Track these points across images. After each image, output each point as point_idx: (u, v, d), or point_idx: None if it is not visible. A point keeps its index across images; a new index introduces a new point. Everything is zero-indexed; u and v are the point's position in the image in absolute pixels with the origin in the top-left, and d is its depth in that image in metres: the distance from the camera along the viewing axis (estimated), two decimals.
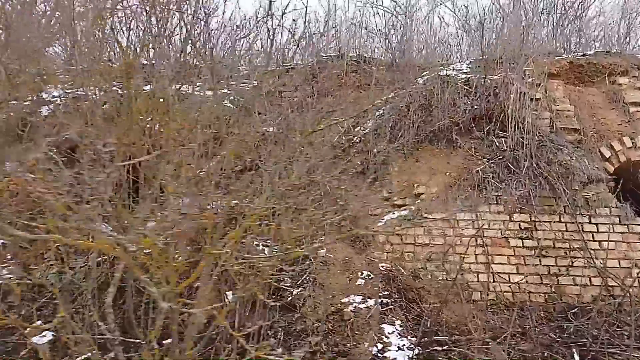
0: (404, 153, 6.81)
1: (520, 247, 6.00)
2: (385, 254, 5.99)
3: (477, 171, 6.33)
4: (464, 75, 7.79)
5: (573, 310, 5.62)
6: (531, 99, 6.82)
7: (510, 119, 6.55)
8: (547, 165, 6.32)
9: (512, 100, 6.47)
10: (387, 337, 4.94)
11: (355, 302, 5.29)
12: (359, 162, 6.91)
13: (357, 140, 7.26)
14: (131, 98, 3.19)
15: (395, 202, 6.49)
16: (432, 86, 7.32)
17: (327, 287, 5.53)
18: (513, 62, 7.14)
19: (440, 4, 13.10)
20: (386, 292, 5.50)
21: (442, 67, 8.43)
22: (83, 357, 4.92)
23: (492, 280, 5.82)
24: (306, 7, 9.99)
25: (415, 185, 6.47)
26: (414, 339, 5.03)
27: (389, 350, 4.82)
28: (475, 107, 6.89)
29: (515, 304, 5.70)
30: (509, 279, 5.85)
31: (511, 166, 6.38)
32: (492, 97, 7.06)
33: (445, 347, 4.90)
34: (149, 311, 4.75)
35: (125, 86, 3.22)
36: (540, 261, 5.94)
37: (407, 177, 6.65)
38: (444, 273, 5.84)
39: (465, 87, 7.40)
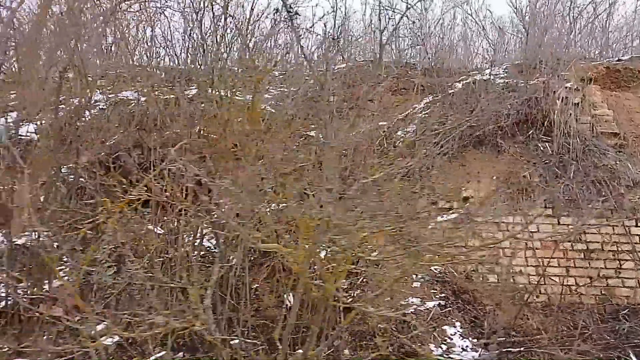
0: (449, 157, 6.91)
1: (569, 249, 6.10)
2: (437, 257, 6.08)
3: (525, 175, 6.44)
4: (501, 80, 7.93)
5: (624, 312, 5.73)
6: (575, 104, 6.94)
7: (555, 124, 6.66)
8: (593, 170, 6.44)
9: (559, 105, 6.58)
10: (450, 339, 5.05)
11: (414, 304, 5.39)
12: (403, 166, 7.02)
13: (400, 144, 7.36)
14: (255, 107, 3.30)
15: (442, 206, 6.58)
16: (473, 90, 7.45)
17: (384, 289, 5.63)
18: (554, 67, 7.26)
19: (454, 7, 13.20)
20: (442, 295, 5.61)
21: (477, 72, 8.57)
22: (155, 356, 5.05)
23: (543, 283, 5.92)
24: (335, 10, 10.13)
25: (463, 189, 6.57)
26: (474, 340, 5.14)
27: (454, 351, 4.92)
28: (519, 111, 7.00)
29: (567, 305, 5.80)
30: (560, 281, 5.95)
31: (557, 170, 6.49)
32: (534, 102, 7.18)
33: (507, 349, 5.00)
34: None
35: (253, 98, 3.32)
36: (589, 264, 6.04)
37: (453, 181, 6.75)
38: (496, 275, 5.94)
39: (505, 91, 7.54)
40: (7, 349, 4.78)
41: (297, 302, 3.60)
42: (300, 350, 3.46)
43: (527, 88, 7.20)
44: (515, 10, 11.93)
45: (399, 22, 6.82)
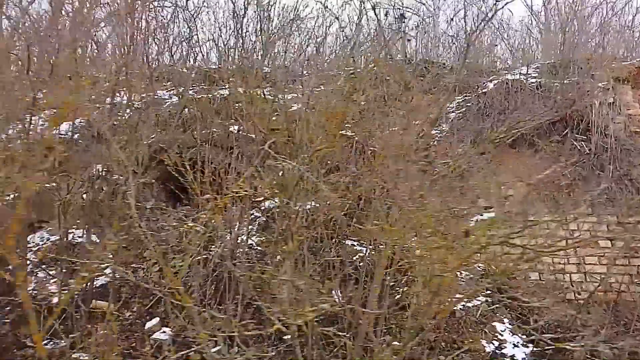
0: (486, 156, 6.97)
1: (609, 247, 6.17)
2: (479, 254, 6.14)
3: (564, 174, 6.50)
4: (533, 80, 7.99)
5: None
6: (608, 104, 7.01)
7: (592, 124, 6.73)
8: (631, 168, 6.51)
9: (597, 105, 6.65)
10: (501, 335, 5.12)
11: (463, 301, 5.45)
12: (439, 165, 7.08)
13: (435, 143, 7.42)
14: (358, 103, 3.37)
15: (482, 205, 6.64)
16: (507, 90, 7.52)
17: (430, 286, 5.69)
18: (588, 67, 7.33)
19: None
20: (487, 292, 5.68)
21: (507, 71, 8.63)
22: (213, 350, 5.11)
23: (584, 280, 6.00)
24: (360, 7, 10.20)
25: (502, 188, 6.62)
26: (523, 336, 5.21)
27: (505, 347, 4.99)
28: (555, 110, 7.07)
29: (609, 302, 5.88)
30: (600, 278, 6.01)
31: (595, 169, 6.56)
32: (569, 102, 7.25)
33: (556, 345, 5.06)
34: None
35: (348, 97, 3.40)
36: (629, 261, 6.12)
37: (491, 179, 6.80)
38: (538, 273, 6.02)
39: (538, 91, 7.61)
40: (64, 343, 4.82)
41: (375, 296, 3.65)
42: (396, 343, 3.53)
43: (562, 88, 7.27)
44: (530, 10, 12.05)
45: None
